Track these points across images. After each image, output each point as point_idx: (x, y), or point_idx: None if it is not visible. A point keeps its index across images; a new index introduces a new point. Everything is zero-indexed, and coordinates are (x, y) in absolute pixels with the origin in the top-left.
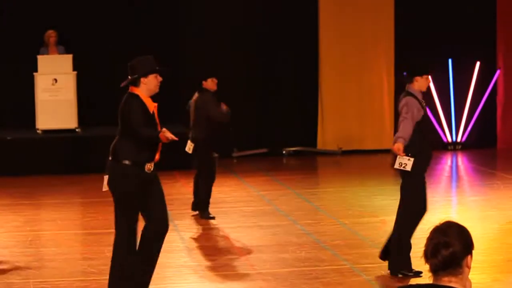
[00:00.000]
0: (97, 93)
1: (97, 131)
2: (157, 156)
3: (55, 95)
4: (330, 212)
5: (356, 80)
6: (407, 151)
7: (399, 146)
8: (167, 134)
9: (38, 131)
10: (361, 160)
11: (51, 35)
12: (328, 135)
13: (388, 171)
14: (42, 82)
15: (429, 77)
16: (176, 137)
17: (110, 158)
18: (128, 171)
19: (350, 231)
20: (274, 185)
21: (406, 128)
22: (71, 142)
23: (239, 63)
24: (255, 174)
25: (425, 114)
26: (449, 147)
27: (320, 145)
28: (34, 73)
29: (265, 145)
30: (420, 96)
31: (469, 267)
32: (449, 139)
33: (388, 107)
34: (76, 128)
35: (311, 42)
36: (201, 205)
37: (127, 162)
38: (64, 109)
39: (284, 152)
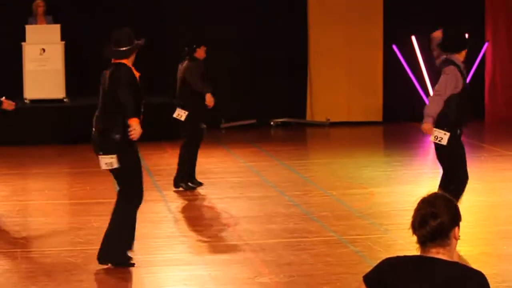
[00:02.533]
0: (84, 63)
1: (85, 101)
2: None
3: (43, 65)
4: (318, 183)
5: (345, 51)
6: (445, 122)
7: (428, 127)
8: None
9: (26, 101)
10: (349, 131)
11: (39, 5)
12: (317, 107)
13: (377, 143)
14: (30, 52)
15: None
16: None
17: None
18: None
19: (338, 203)
20: (262, 156)
21: (438, 104)
22: (59, 112)
23: (227, 34)
24: (243, 145)
25: (465, 84)
26: None
27: (309, 117)
28: (22, 43)
29: (253, 116)
30: (462, 66)
31: (456, 239)
32: None
33: (377, 78)
34: (64, 98)
35: (299, 13)
36: (185, 178)
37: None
38: (52, 79)
39: (272, 123)
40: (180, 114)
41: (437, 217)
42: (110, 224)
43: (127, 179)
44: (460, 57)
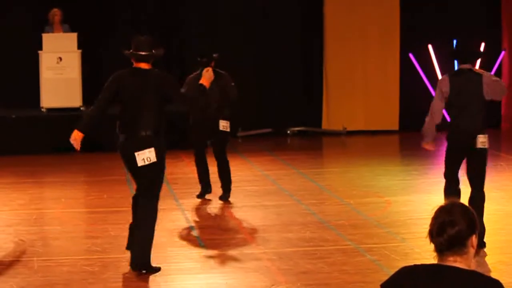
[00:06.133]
0: (101, 71)
1: None
2: None
3: (60, 73)
4: (334, 192)
5: (361, 59)
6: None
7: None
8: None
9: (42, 110)
10: (366, 140)
11: (56, 14)
12: (333, 115)
13: (393, 151)
14: (46, 60)
15: None
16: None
17: (147, 133)
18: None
19: (354, 211)
20: (278, 165)
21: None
22: (76, 120)
23: (244, 42)
24: (259, 154)
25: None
26: None
27: (325, 125)
28: (39, 52)
29: (269, 125)
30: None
31: (474, 247)
32: None
33: (393, 87)
34: (81, 106)
35: (316, 21)
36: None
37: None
38: (68, 88)
39: (288, 132)
40: (225, 125)
41: (454, 225)
42: (142, 229)
43: (158, 174)
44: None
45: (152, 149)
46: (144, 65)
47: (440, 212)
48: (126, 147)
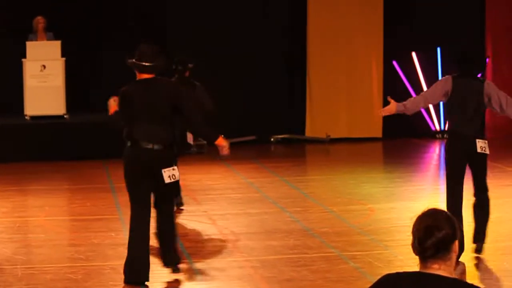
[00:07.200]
0: (85, 79)
1: (85, 117)
2: None
3: (44, 81)
4: (318, 200)
5: (344, 67)
6: (484, 131)
7: None
8: None
9: (26, 117)
10: (349, 148)
11: (39, 21)
12: (316, 123)
13: (377, 159)
14: (30, 68)
15: None
16: None
17: (156, 146)
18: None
19: (338, 219)
20: (262, 173)
21: None
22: (59, 128)
23: (227, 50)
24: (243, 162)
25: None
26: (437, 136)
27: (309, 133)
28: (23, 59)
29: (253, 133)
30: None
31: (455, 252)
32: (437, 128)
33: (376, 95)
34: (64, 114)
35: (299, 28)
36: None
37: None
38: (52, 96)
39: (272, 139)
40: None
41: (441, 229)
42: (171, 233)
43: (176, 189)
44: None
45: (176, 168)
46: (147, 76)
47: (424, 217)
48: (140, 159)
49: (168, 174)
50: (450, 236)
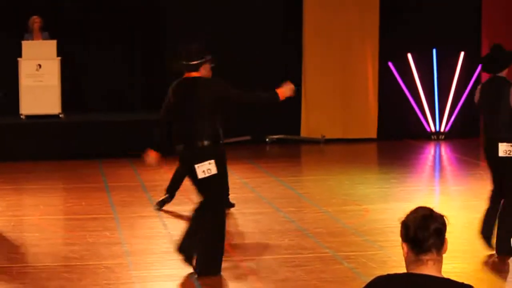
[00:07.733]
0: (80, 78)
1: (81, 117)
2: None
3: (39, 80)
4: (313, 200)
5: (340, 68)
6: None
7: None
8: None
9: (21, 117)
10: (344, 148)
11: (35, 21)
12: (312, 123)
13: (372, 160)
14: (26, 67)
15: None
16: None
17: (205, 143)
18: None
19: (333, 219)
20: (257, 173)
21: None
22: (55, 127)
23: (222, 50)
24: (238, 162)
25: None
26: (433, 137)
27: (304, 133)
28: (18, 59)
29: (248, 133)
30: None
31: (446, 249)
32: (433, 129)
33: (372, 95)
34: (60, 113)
35: (295, 28)
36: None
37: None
38: (48, 95)
39: (267, 139)
40: None
41: (438, 218)
42: (206, 240)
43: (219, 186)
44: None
45: (213, 161)
46: (194, 74)
47: (417, 209)
48: (186, 158)
49: (202, 169)
50: (445, 227)
